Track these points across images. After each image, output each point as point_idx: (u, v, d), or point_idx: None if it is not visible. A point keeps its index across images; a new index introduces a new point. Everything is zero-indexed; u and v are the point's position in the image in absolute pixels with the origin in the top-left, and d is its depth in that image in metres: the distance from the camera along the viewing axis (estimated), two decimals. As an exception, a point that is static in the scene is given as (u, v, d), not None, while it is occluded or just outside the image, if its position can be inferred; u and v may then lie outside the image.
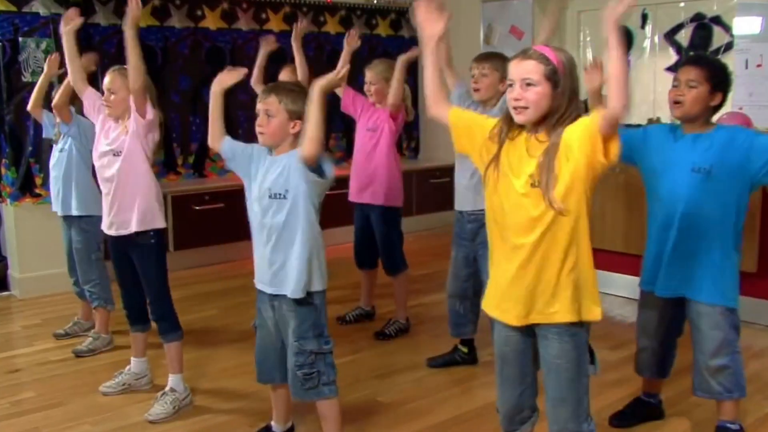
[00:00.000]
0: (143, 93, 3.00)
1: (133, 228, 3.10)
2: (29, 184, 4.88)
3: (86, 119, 3.46)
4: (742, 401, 2.81)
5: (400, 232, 4.16)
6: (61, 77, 3.82)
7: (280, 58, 4.37)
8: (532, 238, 2.06)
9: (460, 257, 3.53)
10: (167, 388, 3.20)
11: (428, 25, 2.18)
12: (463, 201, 3.49)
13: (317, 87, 2.46)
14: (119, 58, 3.26)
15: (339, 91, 4.00)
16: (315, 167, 2.48)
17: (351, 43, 3.97)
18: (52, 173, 3.97)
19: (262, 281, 2.64)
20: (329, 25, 6.70)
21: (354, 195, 4.11)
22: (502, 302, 2.18)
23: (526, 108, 2.04)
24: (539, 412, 2.33)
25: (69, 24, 3.24)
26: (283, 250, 2.54)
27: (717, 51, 5.13)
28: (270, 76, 3.95)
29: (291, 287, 2.54)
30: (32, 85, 4.64)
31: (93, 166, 3.35)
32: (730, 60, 4.59)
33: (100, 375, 3.54)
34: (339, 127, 6.76)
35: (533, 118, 2.05)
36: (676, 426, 3.02)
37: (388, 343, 4.03)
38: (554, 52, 2.05)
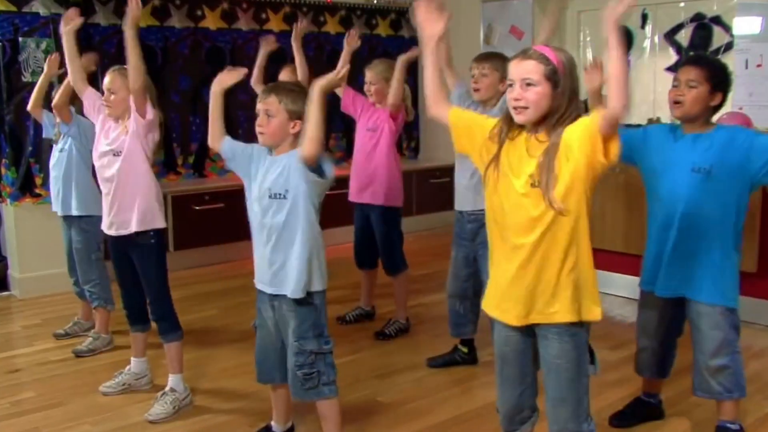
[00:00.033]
0: (143, 93, 3.00)
1: (133, 228, 3.10)
2: (29, 184, 4.88)
3: (86, 119, 3.46)
4: (742, 401, 2.81)
5: (400, 232, 4.16)
6: (61, 77, 3.82)
7: (280, 58, 4.37)
8: (532, 238, 2.06)
9: (460, 257, 3.53)
10: (167, 388, 3.20)
11: (428, 25, 2.19)
12: (463, 201, 3.49)
13: (317, 87, 2.46)
14: (119, 58, 3.26)
15: (339, 91, 4.00)
16: (315, 167, 2.48)
17: (351, 43, 3.97)
18: (52, 173, 3.97)
19: (262, 281, 2.64)
20: (329, 25, 6.70)
21: (354, 195, 4.11)
22: (502, 302, 2.18)
23: (526, 108, 2.04)
24: (539, 412, 2.33)
25: (69, 24, 3.24)
26: (283, 250, 2.54)
27: (717, 51, 5.13)
28: (270, 76, 3.95)
29: (291, 287, 2.54)
30: (32, 85, 4.64)
31: (93, 166, 3.35)
32: (730, 60, 4.59)
33: (100, 375, 3.54)
34: (339, 127, 6.76)
35: (533, 118, 2.05)
36: (676, 426, 3.02)
37: (388, 343, 4.03)
38: (554, 52, 2.05)
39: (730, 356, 2.68)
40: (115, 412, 3.20)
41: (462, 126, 2.23)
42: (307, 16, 6.54)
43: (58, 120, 3.85)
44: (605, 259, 4.05)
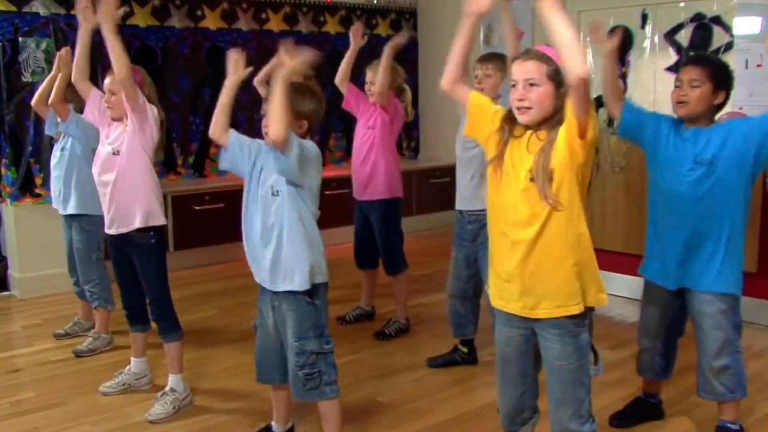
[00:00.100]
0: (131, 82, 2.97)
1: (135, 224, 3.09)
2: (29, 184, 4.88)
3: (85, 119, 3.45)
4: (742, 401, 2.81)
5: (401, 231, 4.16)
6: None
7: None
8: (531, 233, 2.07)
9: (461, 258, 3.53)
10: (167, 388, 3.20)
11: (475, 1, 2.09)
12: (463, 201, 3.49)
13: (279, 78, 2.39)
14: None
15: (342, 88, 4.00)
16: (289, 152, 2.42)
17: (357, 38, 3.94)
18: (53, 173, 3.96)
19: (263, 280, 2.63)
20: (329, 25, 6.70)
21: (356, 193, 4.12)
22: (504, 295, 2.19)
23: (529, 108, 2.05)
24: (540, 412, 2.34)
25: (108, 16, 2.98)
26: (285, 246, 2.53)
27: (717, 51, 5.12)
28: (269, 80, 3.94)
29: (297, 281, 2.54)
30: (32, 85, 4.65)
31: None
32: (730, 60, 4.58)
33: (100, 375, 3.54)
34: (339, 127, 6.76)
35: (537, 117, 2.05)
36: (676, 426, 3.02)
37: (388, 343, 4.03)
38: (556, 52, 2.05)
39: (732, 356, 2.70)
40: (115, 412, 3.20)
41: (479, 112, 2.20)
42: (307, 16, 6.54)
43: (59, 119, 3.85)
44: (605, 259, 4.03)
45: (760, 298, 4.07)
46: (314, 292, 2.59)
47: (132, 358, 3.42)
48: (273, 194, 2.53)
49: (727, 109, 2.83)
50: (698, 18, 5.30)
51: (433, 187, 6.65)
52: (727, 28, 5.05)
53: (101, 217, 3.24)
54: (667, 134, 2.71)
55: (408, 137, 7.31)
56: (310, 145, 2.55)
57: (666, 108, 2.92)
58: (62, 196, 3.90)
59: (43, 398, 3.36)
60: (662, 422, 3.04)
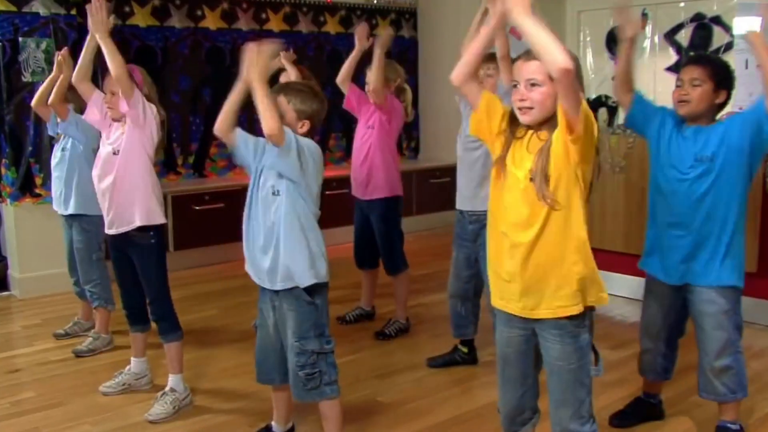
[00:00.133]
0: (126, 79, 2.98)
1: (134, 224, 3.09)
2: (29, 184, 4.88)
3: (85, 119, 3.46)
4: (743, 401, 2.81)
5: (400, 231, 4.16)
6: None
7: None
8: (531, 234, 2.07)
9: (462, 258, 3.53)
10: (167, 388, 3.20)
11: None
12: (464, 201, 3.49)
13: (254, 77, 2.40)
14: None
15: (344, 88, 4.00)
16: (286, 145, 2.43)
17: (361, 40, 3.92)
18: (54, 173, 3.96)
19: (262, 280, 2.63)
20: (329, 25, 6.70)
21: (356, 192, 4.12)
22: (504, 295, 2.19)
23: (531, 108, 2.05)
24: (540, 413, 2.34)
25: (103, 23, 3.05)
26: (285, 246, 2.53)
27: (717, 51, 5.13)
28: (271, 78, 3.94)
29: (296, 279, 2.54)
30: (32, 85, 4.65)
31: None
32: (730, 60, 4.58)
33: (100, 375, 3.54)
34: (339, 127, 6.77)
35: (539, 118, 2.05)
36: (676, 426, 3.02)
37: (388, 343, 4.03)
38: None
39: (733, 356, 2.70)
40: (115, 412, 3.19)
41: (492, 112, 2.17)
42: (307, 16, 6.54)
43: (59, 119, 3.85)
44: (605, 259, 4.04)
45: (760, 298, 4.07)
46: (315, 291, 2.59)
47: (132, 358, 3.42)
48: (273, 194, 2.53)
49: (727, 109, 2.84)
50: (698, 18, 5.31)
51: (433, 187, 6.65)
52: (727, 28, 5.05)
53: (101, 217, 3.24)
54: (670, 132, 2.73)
55: (408, 137, 7.31)
56: (312, 145, 2.55)
57: (666, 108, 2.93)
58: (63, 197, 3.90)
59: (43, 398, 3.36)
60: (662, 422, 3.03)
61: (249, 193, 2.61)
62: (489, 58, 3.37)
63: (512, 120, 2.12)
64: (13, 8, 4.71)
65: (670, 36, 5.49)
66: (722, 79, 2.65)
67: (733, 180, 2.62)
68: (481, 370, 3.60)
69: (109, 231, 3.18)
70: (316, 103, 2.58)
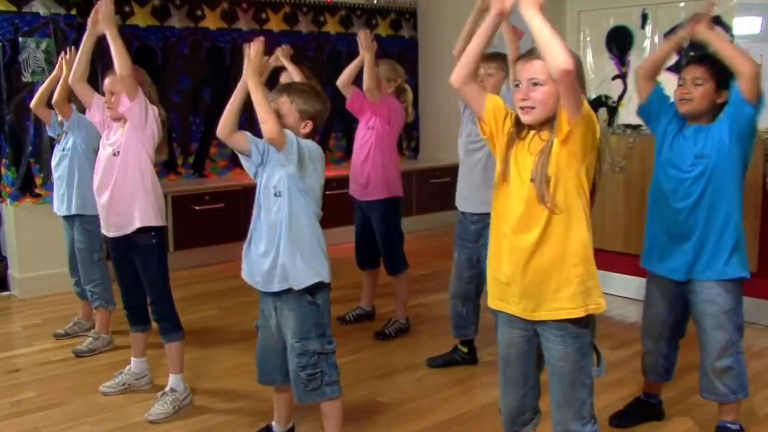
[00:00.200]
0: (131, 78, 2.99)
1: (136, 224, 3.09)
2: (29, 184, 4.88)
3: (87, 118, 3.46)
4: (743, 401, 2.81)
5: (401, 231, 4.16)
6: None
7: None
8: (533, 237, 2.06)
9: (463, 258, 3.53)
10: (167, 388, 3.19)
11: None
12: (465, 202, 3.49)
13: (249, 78, 2.45)
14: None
15: (345, 91, 4.00)
16: (287, 149, 2.44)
17: (366, 47, 3.86)
18: (55, 173, 3.96)
19: (256, 282, 2.62)
20: (329, 25, 6.70)
21: (355, 193, 4.12)
22: (504, 297, 2.19)
23: (533, 108, 2.05)
24: (542, 413, 2.33)
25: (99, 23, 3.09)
26: (286, 246, 2.53)
27: (717, 51, 5.13)
28: (271, 80, 3.94)
29: (295, 280, 2.54)
30: (32, 85, 4.65)
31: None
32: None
33: (100, 375, 3.54)
34: (339, 127, 6.77)
35: (541, 117, 2.05)
36: (676, 426, 3.02)
37: (388, 343, 4.03)
38: None
39: (734, 357, 2.71)
40: (115, 412, 3.19)
41: (499, 115, 2.16)
42: (307, 16, 6.54)
43: (60, 119, 3.85)
44: (605, 259, 4.04)
45: (760, 298, 4.07)
46: (317, 291, 2.59)
47: (132, 358, 3.42)
48: (275, 195, 2.53)
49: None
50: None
51: (433, 187, 6.65)
52: (727, 28, 5.05)
53: (102, 217, 3.24)
54: (674, 131, 2.74)
55: (408, 137, 7.31)
56: (313, 146, 2.55)
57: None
58: (64, 197, 3.90)
59: (43, 398, 3.36)
60: (662, 422, 3.03)
61: (256, 196, 2.61)
62: (489, 57, 3.37)
63: (517, 122, 2.12)
64: (13, 8, 4.71)
65: (670, 36, 5.49)
66: (724, 79, 2.66)
67: (729, 172, 2.63)
68: (481, 370, 3.60)
69: (108, 233, 3.18)
70: (318, 104, 2.58)
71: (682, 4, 5.41)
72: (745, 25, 4.81)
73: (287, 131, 2.46)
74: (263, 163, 2.56)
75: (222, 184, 5.77)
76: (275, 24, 6.35)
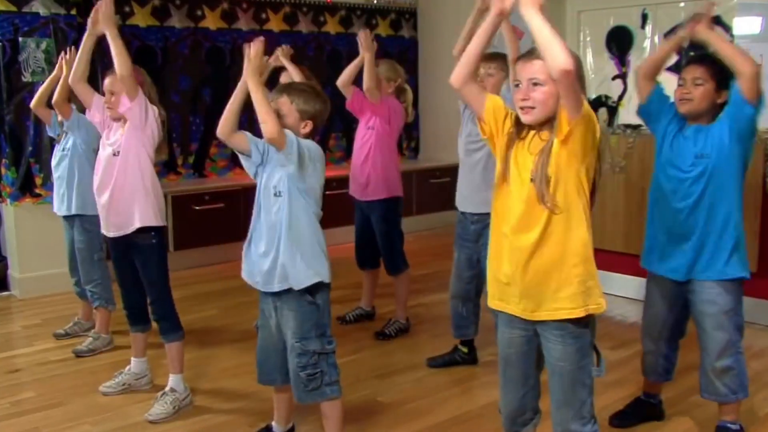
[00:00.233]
0: (131, 79, 2.99)
1: (135, 224, 3.09)
2: (29, 184, 4.88)
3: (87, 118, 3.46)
4: (743, 401, 2.81)
5: (401, 231, 4.16)
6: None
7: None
8: (533, 237, 2.06)
9: (463, 259, 3.53)
10: (167, 388, 3.19)
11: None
12: (465, 202, 3.49)
13: (248, 78, 2.46)
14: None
15: (345, 91, 4.00)
16: (287, 149, 2.44)
17: (366, 47, 3.86)
18: (55, 173, 3.96)
19: (256, 282, 2.62)
20: (329, 25, 6.70)
21: (355, 193, 4.12)
22: (504, 297, 2.19)
23: (533, 108, 2.05)
24: (542, 413, 2.33)
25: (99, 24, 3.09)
26: (286, 246, 2.53)
27: (717, 51, 5.13)
28: (271, 80, 3.94)
29: (295, 280, 2.53)
30: (32, 85, 4.65)
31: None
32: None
33: (100, 375, 3.54)
34: (339, 127, 6.77)
35: (541, 117, 2.05)
36: (676, 426, 3.02)
37: (388, 343, 4.03)
38: None
39: (734, 357, 2.71)
40: (115, 412, 3.19)
41: (499, 116, 2.16)
42: (307, 16, 6.54)
43: (60, 119, 3.85)
44: (605, 259, 4.04)
45: (760, 298, 4.07)
46: (317, 291, 2.59)
47: (132, 358, 3.42)
48: (275, 195, 2.53)
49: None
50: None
51: (433, 187, 6.65)
52: (727, 28, 5.05)
53: (102, 217, 3.24)
54: (674, 131, 2.74)
55: (408, 137, 7.31)
56: (313, 146, 2.55)
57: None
58: (64, 197, 3.90)
59: (43, 398, 3.36)
60: (662, 422, 3.03)
61: (256, 196, 2.61)
62: (489, 57, 3.37)
63: (517, 122, 2.12)
64: (13, 8, 4.71)
65: (670, 36, 5.48)
66: (724, 79, 2.66)
67: (729, 172, 2.64)
68: (481, 370, 3.60)
69: (108, 233, 3.18)
70: (319, 104, 2.58)
71: (682, 4, 5.41)
72: (745, 25, 4.81)
73: (287, 131, 2.46)
74: (263, 163, 2.56)
75: (222, 184, 5.77)
76: (275, 24, 6.35)
